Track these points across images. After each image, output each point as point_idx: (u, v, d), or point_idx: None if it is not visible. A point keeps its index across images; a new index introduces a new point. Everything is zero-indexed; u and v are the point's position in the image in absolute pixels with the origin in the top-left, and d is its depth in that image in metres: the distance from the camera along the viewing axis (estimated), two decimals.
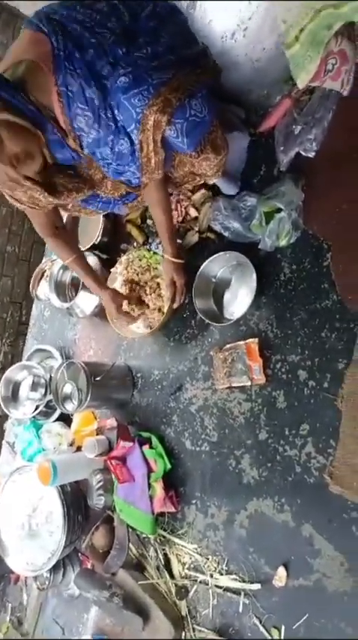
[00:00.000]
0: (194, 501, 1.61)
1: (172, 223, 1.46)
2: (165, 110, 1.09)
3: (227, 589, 1.47)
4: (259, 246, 1.44)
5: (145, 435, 1.74)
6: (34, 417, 2.05)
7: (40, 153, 1.10)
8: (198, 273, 1.58)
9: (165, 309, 1.65)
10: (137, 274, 1.76)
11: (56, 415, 2.02)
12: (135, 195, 1.52)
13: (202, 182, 1.55)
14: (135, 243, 1.91)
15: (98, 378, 1.66)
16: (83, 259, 1.61)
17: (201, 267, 1.57)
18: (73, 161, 1.22)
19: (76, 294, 1.97)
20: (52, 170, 1.20)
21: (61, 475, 1.71)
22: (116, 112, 1.10)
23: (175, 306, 1.60)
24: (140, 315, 1.71)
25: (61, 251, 1.56)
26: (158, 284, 1.71)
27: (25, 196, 1.23)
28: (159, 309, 1.69)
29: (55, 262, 2.10)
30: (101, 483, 1.75)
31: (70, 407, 1.75)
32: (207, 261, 1.56)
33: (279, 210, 1.39)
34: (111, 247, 1.96)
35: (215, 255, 1.54)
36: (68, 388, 1.76)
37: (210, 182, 1.50)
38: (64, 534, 1.74)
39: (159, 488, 1.62)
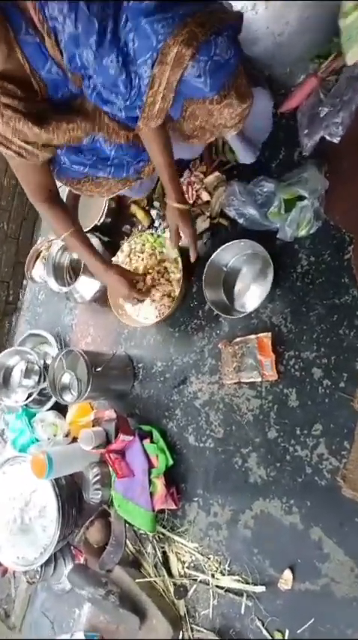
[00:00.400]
0: (196, 499, 1.55)
1: (173, 165, 1.29)
2: (190, 43, 0.99)
3: (229, 590, 1.42)
4: (278, 236, 1.35)
5: (146, 428, 1.67)
6: (26, 405, 1.96)
7: (5, 42, 0.96)
8: (209, 260, 1.50)
9: (178, 294, 1.56)
10: (142, 259, 1.66)
11: (50, 404, 1.93)
12: (147, 153, 1.37)
13: (212, 139, 1.41)
14: (140, 226, 1.81)
15: (99, 369, 1.57)
16: (82, 233, 1.44)
17: (213, 255, 1.49)
18: (57, 76, 1.08)
19: (74, 278, 1.87)
20: (40, 103, 1.08)
21: (56, 468, 1.62)
22: (125, 32, 0.98)
23: (193, 256, 1.44)
24: (150, 291, 1.59)
25: (56, 222, 1.38)
26: (166, 268, 1.62)
27: (9, 130, 1.09)
28: (169, 295, 1.59)
29: (52, 243, 1.98)
30: (98, 477, 1.68)
31: (68, 398, 1.67)
32: (219, 249, 1.47)
33: (301, 198, 1.30)
34: (113, 229, 1.86)
35: (228, 243, 1.46)
36: (66, 378, 1.68)
37: (227, 136, 1.36)
38: (58, 529, 1.67)
39: (160, 484, 1.55)
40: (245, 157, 1.47)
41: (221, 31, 1.05)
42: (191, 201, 1.59)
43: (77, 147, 1.28)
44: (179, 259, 1.59)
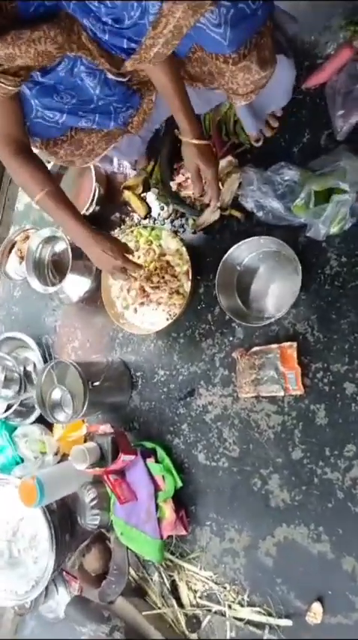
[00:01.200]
0: (208, 523, 1.41)
1: (185, 93, 1.09)
2: None
3: (248, 622, 1.30)
4: (308, 234, 1.18)
5: (149, 445, 1.50)
6: (5, 417, 1.74)
7: None
8: (224, 258, 1.31)
9: (187, 289, 1.35)
10: (138, 258, 1.45)
11: (34, 416, 1.72)
12: (137, 97, 1.18)
13: (217, 88, 1.20)
14: (135, 217, 1.59)
15: (96, 383, 1.38)
16: (61, 193, 1.18)
17: (229, 252, 1.30)
18: None
19: (57, 276, 1.64)
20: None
21: (48, 494, 1.43)
22: None
23: (213, 211, 1.24)
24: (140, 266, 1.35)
25: (28, 180, 1.13)
26: (168, 262, 1.42)
27: None
28: (178, 291, 1.40)
29: (31, 234, 1.73)
30: (96, 501, 1.50)
31: (61, 417, 1.46)
32: (236, 246, 1.29)
33: (334, 190, 1.13)
34: (102, 219, 1.63)
35: (247, 240, 1.27)
36: (57, 394, 1.46)
37: (237, 104, 1.16)
38: (52, 560, 1.49)
39: (168, 509, 1.40)
40: (249, 125, 1.27)
41: None
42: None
43: (52, 86, 1.04)
44: (183, 249, 1.40)
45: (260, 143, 1.33)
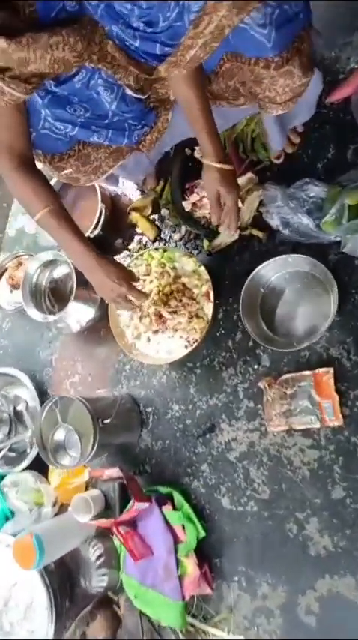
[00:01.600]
0: (236, 578, 1.24)
1: (210, 112, 1.02)
2: None
3: None
4: (343, 250, 1.11)
5: (164, 490, 1.33)
6: None
7: None
8: (249, 277, 1.21)
9: (208, 311, 1.25)
10: (151, 282, 1.34)
11: (26, 462, 1.52)
12: (153, 115, 1.11)
13: (245, 107, 1.15)
14: (144, 240, 1.48)
15: (107, 421, 1.22)
16: (64, 210, 1.09)
17: (255, 271, 1.21)
18: None
19: (54, 304, 1.50)
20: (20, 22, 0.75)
21: (48, 553, 1.24)
22: None
23: (231, 234, 1.16)
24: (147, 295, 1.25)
25: (31, 195, 1.04)
26: (184, 285, 1.31)
27: None
28: (197, 315, 1.28)
29: (24, 261, 1.59)
30: (102, 558, 1.31)
31: (66, 461, 1.28)
32: (262, 265, 1.20)
33: None
34: (107, 244, 1.51)
35: (275, 259, 1.19)
36: (60, 434, 1.29)
37: (272, 113, 1.09)
38: (52, 632, 1.27)
39: (191, 564, 1.22)
40: (275, 140, 1.22)
41: None
42: None
43: (66, 97, 0.97)
44: (201, 269, 1.30)
45: (281, 160, 1.27)
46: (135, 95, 1.01)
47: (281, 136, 1.19)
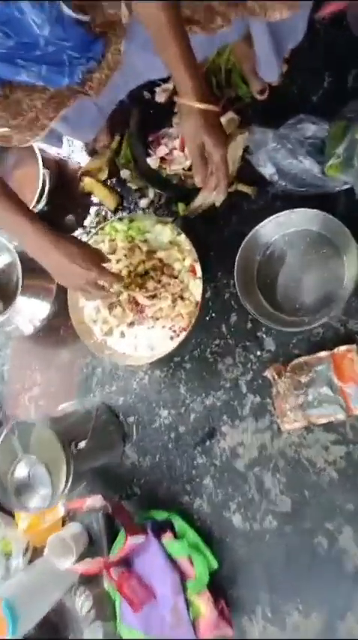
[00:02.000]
0: (258, 608, 1.03)
1: (188, 40, 0.79)
2: None
3: None
4: None
5: (160, 515, 1.09)
6: None
7: None
8: (243, 244, 0.98)
9: (195, 290, 1.01)
10: (119, 261, 1.07)
11: None
12: (101, 44, 0.86)
13: (220, 29, 0.89)
14: (102, 210, 1.20)
15: (82, 444, 0.96)
16: (2, 183, 0.88)
17: (250, 235, 0.97)
18: None
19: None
20: None
21: (23, 619, 0.98)
22: None
23: (219, 197, 0.93)
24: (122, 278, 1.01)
25: None
26: (161, 260, 1.06)
27: None
28: (182, 296, 1.04)
29: None
30: (94, 609, 1.06)
31: (35, 502, 1.00)
32: (259, 226, 0.97)
33: None
34: (56, 220, 1.23)
35: (277, 215, 0.96)
36: (22, 470, 1.00)
37: (277, 17, 0.82)
38: None
39: (205, 603, 1.00)
40: (267, 71, 0.98)
41: None
42: (188, 163, 1.06)
43: None
44: (180, 238, 1.05)
45: (265, 95, 1.04)
46: (74, 15, 0.75)
47: (278, 60, 0.94)
